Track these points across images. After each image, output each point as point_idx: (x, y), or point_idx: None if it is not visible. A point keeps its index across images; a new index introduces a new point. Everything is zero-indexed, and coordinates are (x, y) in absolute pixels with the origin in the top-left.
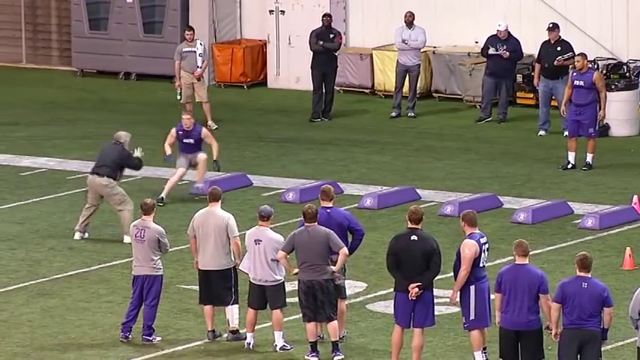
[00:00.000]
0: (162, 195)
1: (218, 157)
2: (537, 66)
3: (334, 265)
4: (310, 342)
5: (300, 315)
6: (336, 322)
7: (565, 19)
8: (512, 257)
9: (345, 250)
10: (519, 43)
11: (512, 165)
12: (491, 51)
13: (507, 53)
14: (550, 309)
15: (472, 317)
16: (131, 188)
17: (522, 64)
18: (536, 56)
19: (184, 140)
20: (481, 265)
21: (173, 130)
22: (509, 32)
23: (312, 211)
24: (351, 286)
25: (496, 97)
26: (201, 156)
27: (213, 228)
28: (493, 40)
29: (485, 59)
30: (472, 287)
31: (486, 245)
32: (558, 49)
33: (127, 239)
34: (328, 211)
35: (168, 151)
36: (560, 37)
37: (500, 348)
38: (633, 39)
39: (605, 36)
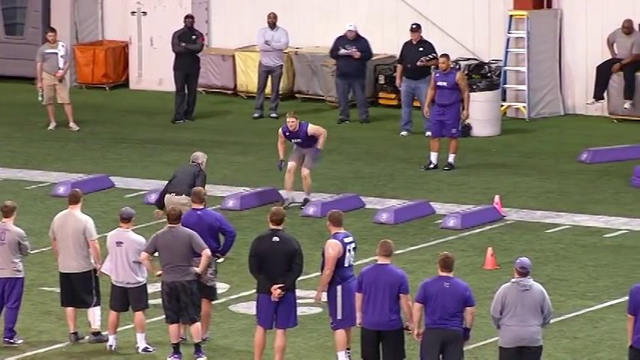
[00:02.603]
0: (289, 197)
1: (321, 147)
2: (399, 67)
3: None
4: (173, 343)
5: (163, 316)
6: (199, 323)
7: (427, 19)
8: (375, 257)
9: (207, 251)
10: (368, 42)
11: (375, 165)
12: (342, 52)
13: (358, 53)
14: (410, 309)
15: (339, 317)
16: None
17: (384, 64)
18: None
19: (293, 140)
20: (347, 264)
21: (280, 132)
22: (357, 33)
23: (176, 212)
24: None
25: (355, 97)
26: (304, 171)
27: (72, 231)
28: (342, 41)
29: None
30: (339, 287)
31: (352, 245)
32: (420, 49)
33: None
34: (199, 212)
35: (281, 155)
36: (422, 37)
37: (361, 348)
38: (494, 40)
39: (466, 36)
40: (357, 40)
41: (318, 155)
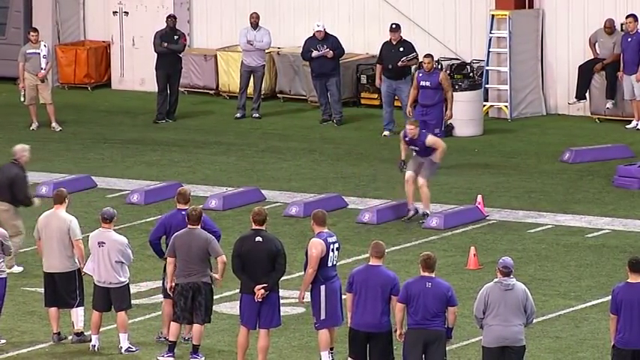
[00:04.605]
0: (412, 208)
1: (439, 161)
2: (379, 67)
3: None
4: (170, 341)
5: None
6: (204, 327)
7: (409, 19)
8: (357, 257)
9: (223, 257)
10: (338, 39)
11: (357, 165)
12: (315, 54)
13: (331, 52)
14: None
15: (323, 317)
16: None
17: (366, 64)
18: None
19: (411, 147)
20: (330, 264)
21: (401, 135)
22: (326, 31)
23: (197, 213)
24: None
25: (329, 96)
26: (420, 180)
27: (56, 231)
28: (312, 42)
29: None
30: (322, 287)
31: (336, 245)
32: (401, 49)
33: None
34: (183, 213)
35: (403, 155)
36: (401, 37)
37: (350, 348)
38: (476, 39)
39: (448, 36)
40: (326, 38)
41: (435, 168)
